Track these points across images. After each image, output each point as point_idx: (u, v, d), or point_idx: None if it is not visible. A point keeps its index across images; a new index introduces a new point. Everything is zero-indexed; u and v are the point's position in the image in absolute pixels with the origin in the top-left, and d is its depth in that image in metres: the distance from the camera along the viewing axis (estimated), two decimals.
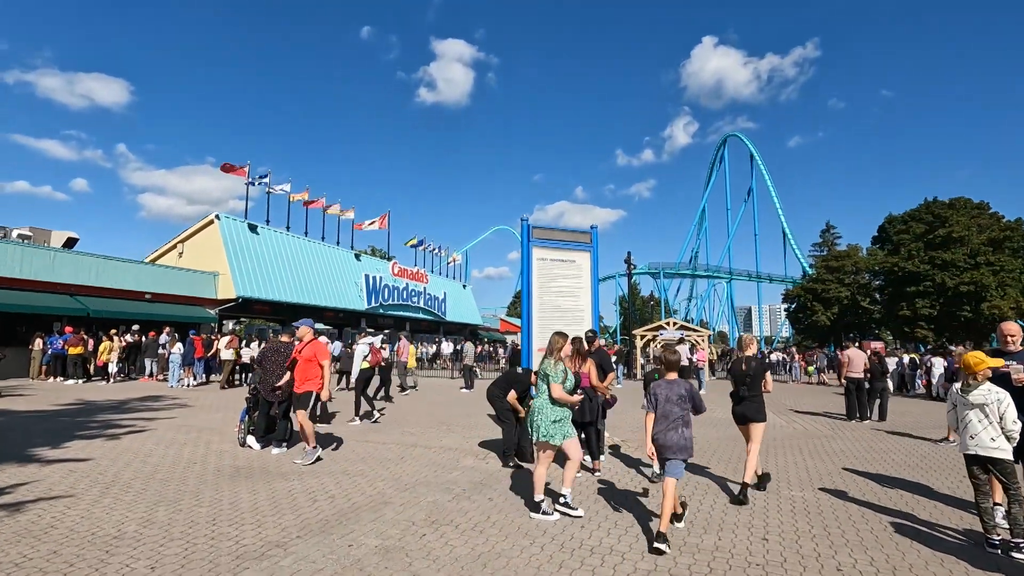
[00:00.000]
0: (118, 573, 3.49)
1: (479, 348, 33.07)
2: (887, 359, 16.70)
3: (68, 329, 17.48)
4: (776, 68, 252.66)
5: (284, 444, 7.45)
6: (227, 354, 16.87)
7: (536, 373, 5.09)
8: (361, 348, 9.64)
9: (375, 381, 11.60)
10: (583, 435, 6.52)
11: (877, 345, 26.61)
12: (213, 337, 19.23)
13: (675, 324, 29.40)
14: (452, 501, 5.24)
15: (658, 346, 19.16)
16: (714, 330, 74.13)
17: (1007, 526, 4.37)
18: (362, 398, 10.08)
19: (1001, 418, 4.13)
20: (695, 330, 28.99)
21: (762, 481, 5.86)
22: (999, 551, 4.09)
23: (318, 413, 9.61)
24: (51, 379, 16.98)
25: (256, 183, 28.96)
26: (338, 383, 16.00)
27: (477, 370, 19.32)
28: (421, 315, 40.74)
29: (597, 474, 6.35)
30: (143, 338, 18.82)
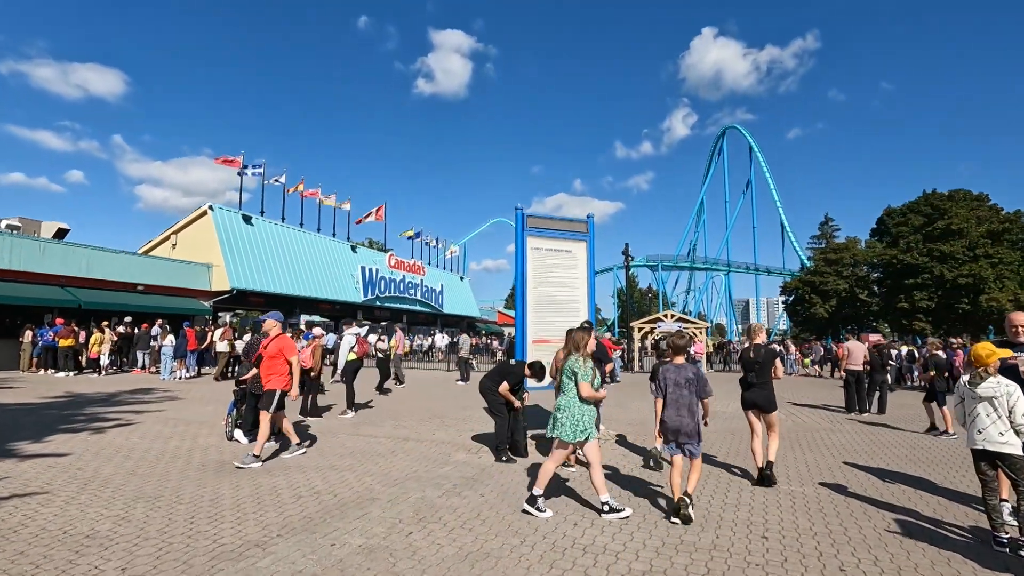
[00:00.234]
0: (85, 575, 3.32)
1: (474, 340, 32.96)
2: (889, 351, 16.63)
3: (59, 321, 17.26)
4: (776, 60, 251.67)
5: (272, 438, 7.27)
6: (222, 346, 16.69)
7: (561, 371, 4.84)
8: (347, 339, 9.45)
9: (364, 374, 11.43)
10: None
11: (875, 337, 26.51)
12: (207, 329, 19.04)
13: (673, 316, 29.26)
14: (442, 497, 5.07)
15: (663, 340, 19.08)
16: (712, 322, 74.07)
17: (1015, 523, 4.23)
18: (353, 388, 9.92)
19: (1010, 412, 3.97)
20: (693, 322, 28.88)
21: (763, 475, 5.72)
22: (1007, 549, 3.94)
23: (308, 407, 9.48)
24: (41, 372, 16.78)
25: (250, 173, 28.63)
26: (332, 376, 15.83)
27: (473, 363, 19.15)
28: (418, 307, 40.57)
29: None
30: (135, 330, 18.62)
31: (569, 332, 6.57)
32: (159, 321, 18.18)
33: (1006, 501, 4.43)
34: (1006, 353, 4.22)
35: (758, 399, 5.75)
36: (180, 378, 16.00)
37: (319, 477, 5.70)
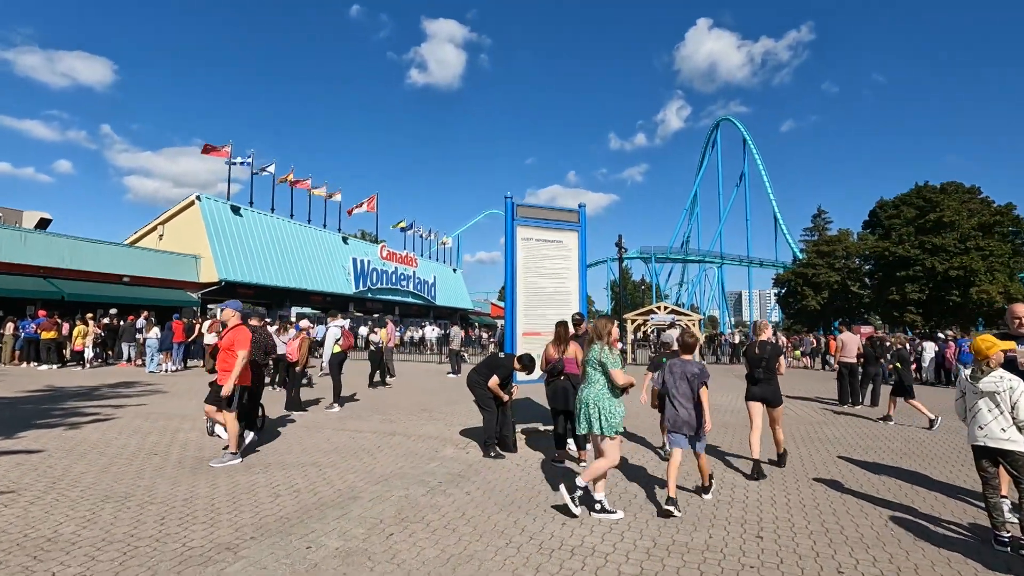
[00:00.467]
0: None
1: (467, 333, 32.76)
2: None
3: (41, 313, 16.92)
4: (770, 51, 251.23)
5: (254, 433, 7.06)
6: (210, 338, 16.39)
7: (586, 362, 4.62)
8: (332, 331, 9.23)
9: (355, 367, 11.22)
10: (569, 424, 6.20)
11: (867, 330, 26.61)
12: (194, 321, 18.74)
13: (666, 308, 29.21)
14: (426, 495, 4.90)
15: (666, 331, 19.08)
16: (704, 315, 74.31)
17: (1015, 520, 4.12)
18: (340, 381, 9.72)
19: (1013, 407, 3.83)
20: (686, 314, 28.85)
21: (758, 472, 5.64)
22: (1008, 549, 3.81)
23: (292, 400, 9.25)
24: (24, 364, 16.45)
25: (239, 163, 28.18)
26: (321, 370, 15.60)
27: (465, 355, 18.98)
28: (410, 299, 40.33)
29: (583, 464, 6.03)
30: (120, 322, 18.29)
31: (558, 325, 6.44)
32: (144, 313, 17.86)
33: (1005, 498, 4.32)
34: (1009, 345, 4.08)
35: (767, 394, 5.93)
36: (166, 371, 15.73)
37: (300, 474, 5.51)
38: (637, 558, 3.64)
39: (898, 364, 9.60)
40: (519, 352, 7.02)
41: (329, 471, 5.65)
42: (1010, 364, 4.25)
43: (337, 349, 9.31)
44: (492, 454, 6.33)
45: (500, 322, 51.95)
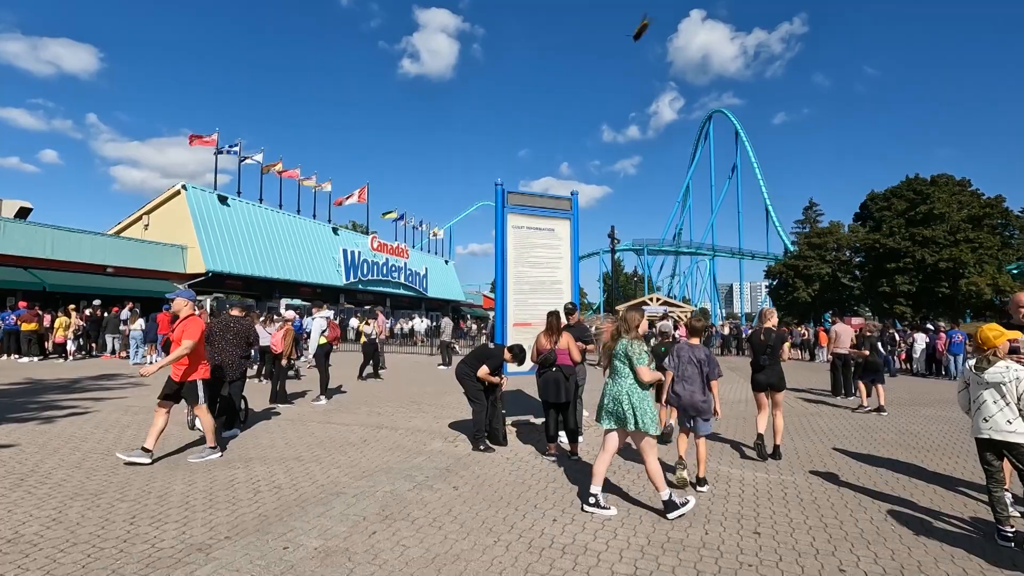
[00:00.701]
0: None
1: (458, 324, 32.53)
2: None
3: (22, 304, 16.52)
4: (763, 43, 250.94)
5: (236, 427, 6.86)
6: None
7: (613, 355, 4.40)
8: (318, 323, 9.01)
9: (329, 357, 10.98)
10: (560, 416, 6.04)
11: (857, 321, 26.68)
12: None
13: (659, 300, 29.16)
14: (412, 491, 4.72)
15: (659, 322, 19.11)
16: (696, 306, 74.48)
17: (1019, 515, 4.01)
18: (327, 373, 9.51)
19: (1020, 399, 3.70)
20: (678, 306, 28.81)
21: (760, 446, 5.96)
22: (1012, 544, 3.69)
23: (277, 393, 9.03)
24: (4, 357, 16.06)
25: (226, 152, 27.68)
26: (308, 363, 15.36)
27: (456, 346, 18.79)
28: (402, 291, 40.01)
29: (575, 458, 5.88)
30: (104, 314, 17.92)
31: (550, 315, 6.25)
32: (128, 304, 17.51)
33: (1007, 490, 4.20)
34: (1015, 335, 3.94)
35: (771, 378, 6.06)
36: (151, 363, 15.41)
37: (282, 469, 5.31)
38: (631, 556, 3.48)
39: (866, 352, 9.86)
40: (509, 343, 6.85)
41: (312, 466, 5.46)
42: (1013, 353, 4.12)
43: (323, 341, 9.09)
44: (481, 447, 6.16)
45: (492, 314, 51.82)
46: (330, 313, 9.52)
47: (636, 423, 4.17)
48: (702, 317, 5.45)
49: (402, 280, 39.65)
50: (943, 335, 17.19)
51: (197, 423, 6.90)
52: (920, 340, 18.07)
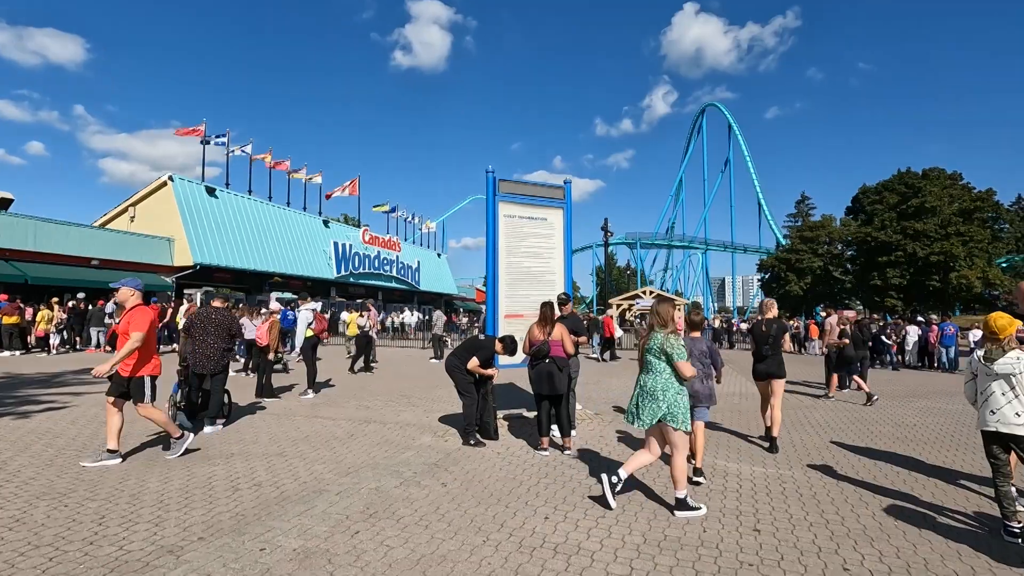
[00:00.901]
0: None
1: (450, 318, 32.34)
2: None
3: (3, 297, 16.14)
4: (756, 37, 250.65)
5: (220, 422, 6.65)
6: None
7: (646, 350, 4.21)
8: (304, 315, 8.78)
9: (316, 350, 10.75)
10: (553, 410, 5.88)
11: (849, 314, 26.69)
12: (167, 306, 18.09)
13: (652, 293, 29.07)
14: (399, 487, 4.54)
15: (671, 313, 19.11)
16: (689, 300, 74.56)
17: None
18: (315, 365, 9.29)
19: None
20: (671, 299, 28.75)
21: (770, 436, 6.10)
22: (1019, 540, 3.57)
23: (263, 387, 8.79)
24: None
25: (214, 143, 27.22)
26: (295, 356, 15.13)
27: (448, 340, 18.60)
28: (394, 284, 39.72)
29: (568, 452, 5.72)
30: (89, 307, 17.57)
31: (544, 305, 6.07)
32: (113, 297, 17.14)
33: (1013, 484, 4.08)
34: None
35: (771, 368, 6.15)
36: None
37: (263, 466, 5.11)
38: (626, 556, 3.32)
39: (846, 341, 10.17)
40: (501, 335, 6.67)
41: (296, 462, 5.26)
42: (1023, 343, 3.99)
43: (309, 333, 8.86)
44: (472, 442, 5.99)
45: (485, 307, 51.60)
46: (316, 305, 9.28)
47: (669, 417, 4.01)
48: (697, 311, 5.47)
49: (394, 273, 39.35)
50: (935, 327, 17.19)
51: (179, 418, 6.68)
52: (912, 333, 18.06)
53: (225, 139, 27.61)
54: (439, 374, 12.41)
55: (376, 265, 37.33)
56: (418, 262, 42.53)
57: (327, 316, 23.27)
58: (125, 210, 25.41)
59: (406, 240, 43.09)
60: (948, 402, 9.70)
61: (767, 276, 55.48)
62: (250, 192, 29.74)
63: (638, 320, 30.44)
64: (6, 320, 15.37)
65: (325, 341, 22.14)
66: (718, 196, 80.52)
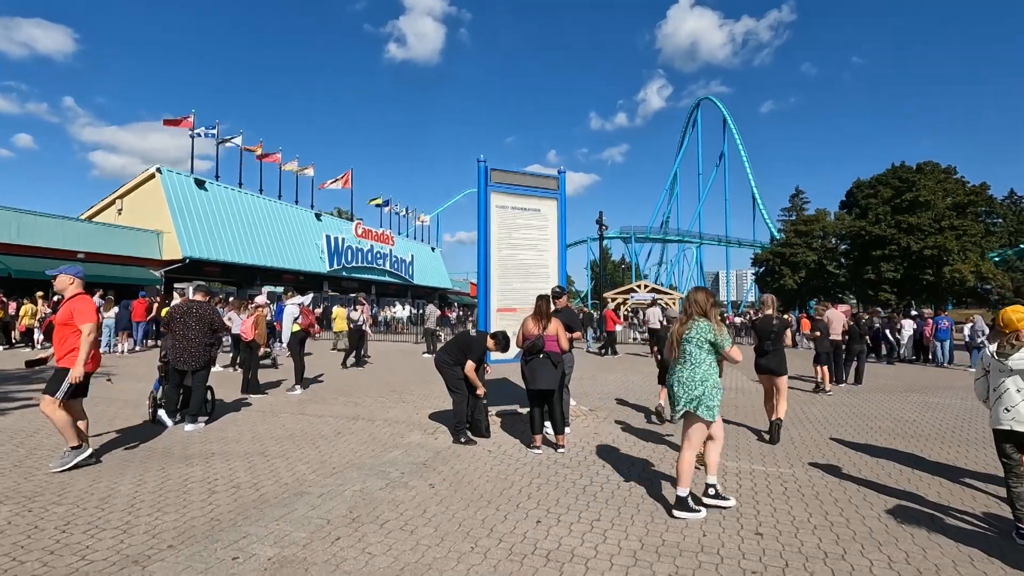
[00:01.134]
0: None
1: (444, 312, 32.10)
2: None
3: None
4: (751, 31, 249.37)
5: (202, 420, 6.42)
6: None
7: (684, 340, 4.01)
8: (290, 309, 8.54)
9: (304, 345, 10.51)
10: (546, 406, 5.68)
11: (844, 308, 26.68)
12: (155, 300, 17.76)
13: (646, 287, 28.95)
14: (384, 489, 4.34)
15: (648, 308, 19.04)
16: (684, 294, 74.53)
17: None
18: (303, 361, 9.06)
19: None
20: (667, 292, 28.63)
21: (774, 430, 6.16)
22: None
23: (249, 383, 8.55)
24: None
25: (203, 135, 26.78)
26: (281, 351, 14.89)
27: (441, 334, 18.38)
28: (387, 278, 39.42)
29: (561, 451, 5.53)
30: None
31: (539, 298, 5.87)
32: (99, 291, 16.82)
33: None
34: None
35: (772, 364, 6.25)
36: (122, 352, 14.85)
37: (244, 466, 4.90)
38: (623, 563, 3.14)
39: (818, 334, 10.42)
40: (493, 330, 6.46)
41: (278, 462, 5.05)
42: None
43: (296, 328, 8.63)
44: (463, 440, 5.79)
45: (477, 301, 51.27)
46: (305, 299, 9.04)
47: (701, 405, 3.86)
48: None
49: (387, 267, 39.04)
50: (930, 321, 17.13)
51: (160, 415, 6.46)
52: (908, 327, 17.99)
53: (215, 131, 27.17)
54: (431, 369, 12.21)
55: (369, 259, 37.02)
56: (412, 256, 42.24)
57: (319, 310, 23.00)
58: (112, 203, 24.98)
59: (400, 234, 42.76)
60: (946, 397, 9.59)
61: (761, 270, 55.49)
62: (240, 185, 29.34)
63: (632, 314, 30.34)
64: None
65: (317, 336, 21.93)
66: (713, 190, 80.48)
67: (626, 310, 29.14)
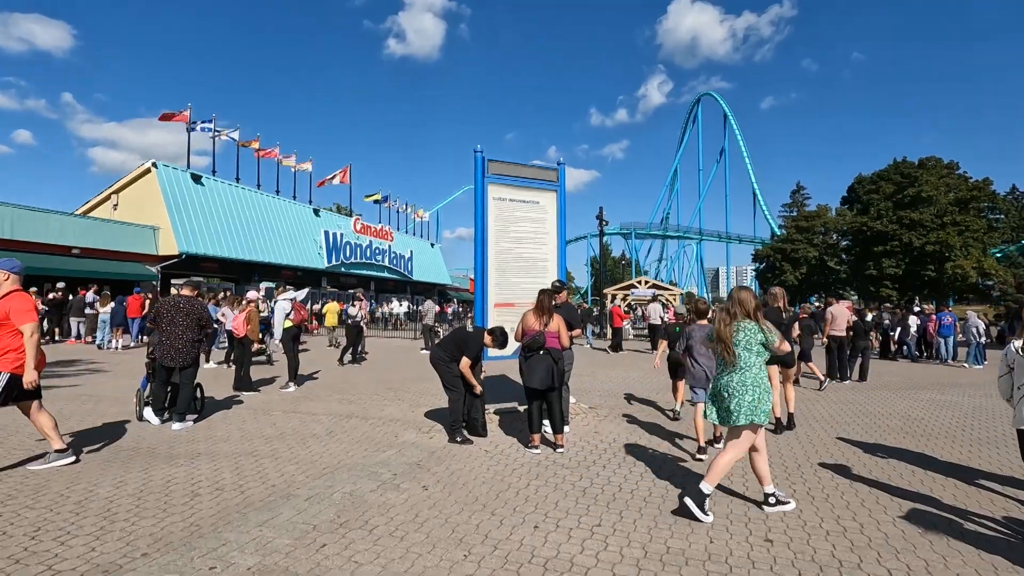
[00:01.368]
0: None
1: (443, 308, 31.93)
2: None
3: None
4: (752, 26, 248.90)
5: (190, 418, 6.24)
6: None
7: (735, 343, 3.83)
8: (282, 305, 8.34)
9: (297, 341, 10.30)
10: (545, 404, 5.49)
11: (846, 304, 26.44)
12: (148, 296, 17.56)
13: (646, 283, 28.74)
14: (375, 491, 4.15)
15: (648, 304, 18.95)
16: (684, 290, 74.41)
17: None
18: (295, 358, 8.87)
19: None
20: (667, 288, 28.42)
21: (779, 426, 6.24)
22: None
23: (240, 380, 8.37)
24: None
25: (199, 129, 26.53)
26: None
27: (439, 330, 18.19)
28: (386, 274, 39.22)
29: (560, 451, 5.34)
30: (69, 296, 17.03)
31: (541, 293, 5.67)
32: (93, 287, 16.63)
33: None
34: None
35: (781, 356, 6.14)
36: (116, 348, 14.66)
37: (230, 467, 4.71)
38: (625, 572, 2.95)
39: (798, 333, 10.08)
40: (490, 325, 6.26)
41: (266, 462, 4.87)
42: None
43: (288, 324, 8.43)
44: (458, 439, 5.60)
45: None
46: (299, 294, 8.85)
47: (746, 415, 3.70)
48: (691, 301, 5.36)
49: (386, 263, 38.83)
50: (934, 318, 16.94)
51: (146, 413, 6.28)
52: (912, 323, 17.79)
53: (211, 124, 26.91)
54: (428, 366, 12.03)
55: (368, 255, 36.79)
56: (411, 252, 42.01)
57: (317, 306, 22.76)
58: (107, 198, 24.76)
59: (399, 230, 42.53)
60: (952, 394, 9.41)
61: (762, 266, 55.20)
62: (238, 180, 29.10)
63: (632, 310, 30.12)
64: None
65: (315, 332, 21.74)
66: (713, 186, 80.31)
67: (625, 306, 28.91)
